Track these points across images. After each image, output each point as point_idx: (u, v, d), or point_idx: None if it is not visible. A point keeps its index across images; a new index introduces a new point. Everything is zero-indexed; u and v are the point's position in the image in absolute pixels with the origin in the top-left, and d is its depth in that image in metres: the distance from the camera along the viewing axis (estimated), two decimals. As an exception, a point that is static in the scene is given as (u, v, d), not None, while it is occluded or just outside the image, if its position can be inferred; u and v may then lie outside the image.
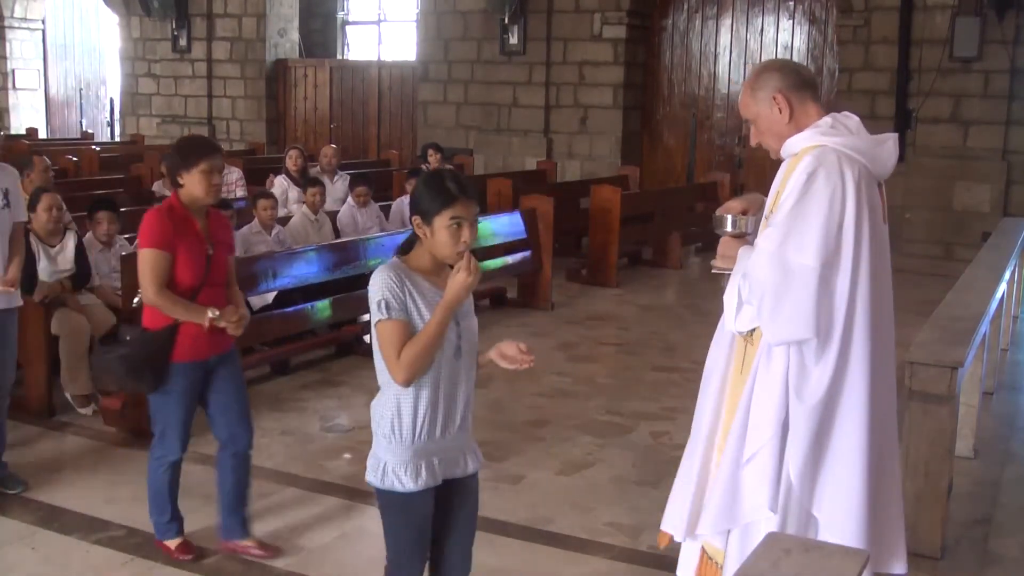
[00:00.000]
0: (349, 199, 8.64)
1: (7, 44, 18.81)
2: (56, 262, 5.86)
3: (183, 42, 17.14)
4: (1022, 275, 7.87)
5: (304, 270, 6.68)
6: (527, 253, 8.96)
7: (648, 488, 4.98)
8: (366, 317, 7.54)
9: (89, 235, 6.32)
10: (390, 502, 2.95)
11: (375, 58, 17.56)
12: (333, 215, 8.43)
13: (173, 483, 4.05)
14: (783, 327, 2.78)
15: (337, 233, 8.19)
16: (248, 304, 6.79)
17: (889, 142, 2.93)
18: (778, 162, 3.06)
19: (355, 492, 4.83)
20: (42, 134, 18.17)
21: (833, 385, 2.81)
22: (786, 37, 13.15)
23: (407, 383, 2.82)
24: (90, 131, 18.74)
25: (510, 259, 8.92)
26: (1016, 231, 7.62)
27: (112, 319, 5.96)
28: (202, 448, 5.36)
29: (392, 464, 2.89)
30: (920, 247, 11.31)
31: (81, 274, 6.00)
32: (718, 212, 3.11)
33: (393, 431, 2.88)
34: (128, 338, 3.87)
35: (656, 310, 9.19)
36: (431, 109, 15.09)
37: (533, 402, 6.30)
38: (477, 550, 4.20)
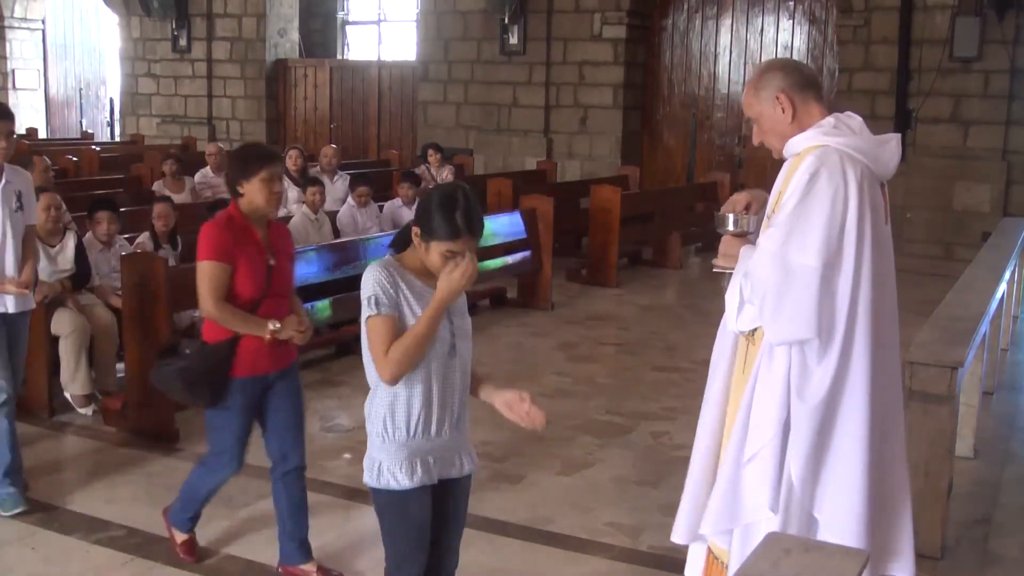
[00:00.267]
0: (349, 199, 8.64)
1: (7, 44, 18.81)
2: (56, 262, 5.85)
3: (183, 42, 17.14)
4: (1022, 275, 7.87)
5: (304, 270, 6.67)
6: (527, 253, 8.95)
7: (648, 488, 4.98)
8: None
9: (89, 235, 6.32)
10: (387, 502, 2.94)
11: (375, 58, 17.56)
12: (333, 215, 8.42)
13: (213, 492, 4.02)
14: (785, 327, 2.77)
15: (337, 233, 8.19)
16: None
17: (892, 142, 2.93)
18: (779, 162, 3.05)
19: (355, 492, 4.83)
20: (42, 134, 18.18)
21: (835, 385, 2.80)
22: (786, 37, 13.15)
23: (393, 380, 2.81)
24: (90, 131, 18.74)
25: (510, 259, 8.92)
26: (1016, 231, 7.62)
27: (112, 319, 5.96)
28: (203, 448, 5.36)
29: (387, 463, 2.89)
30: (920, 247, 11.31)
31: (81, 274, 5.99)
32: (722, 209, 3.10)
33: (386, 430, 2.88)
34: (187, 351, 3.78)
35: (656, 310, 9.19)
36: (431, 109, 15.09)
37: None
38: (478, 550, 4.21)
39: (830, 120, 2.91)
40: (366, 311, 2.82)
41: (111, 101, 19.43)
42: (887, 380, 2.92)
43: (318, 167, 10.08)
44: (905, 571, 2.98)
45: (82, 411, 5.82)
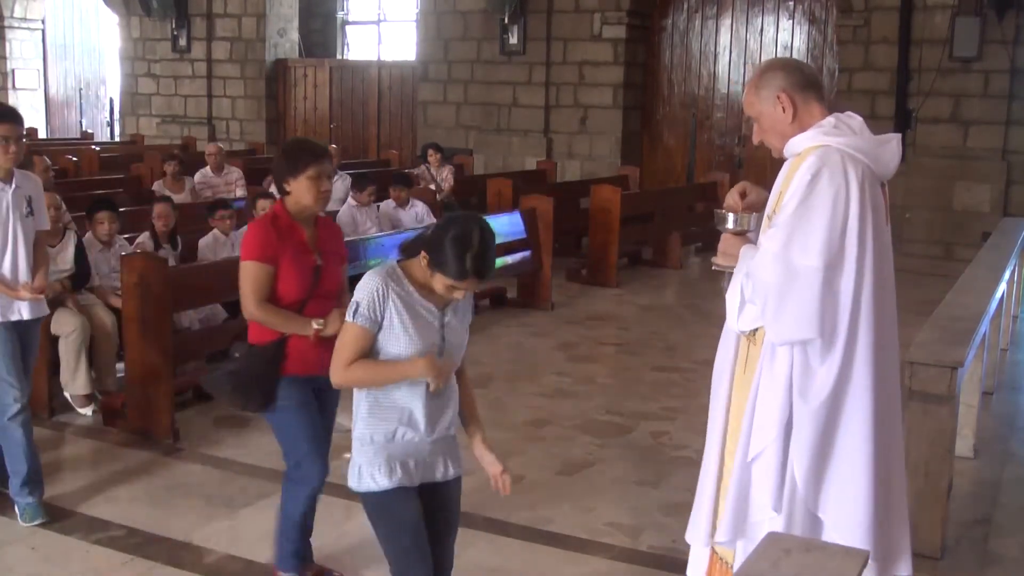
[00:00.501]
0: (349, 199, 8.65)
1: (7, 44, 18.81)
2: (56, 262, 5.84)
3: (183, 42, 17.14)
4: (1022, 275, 7.87)
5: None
6: (527, 253, 8.96)
7: (648, 488, 4.98)
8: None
9: (89, 235, 6.32)
10: (372, 505, 2.95)
11: (375, 58, 17.56)
12: (331, 215, 8.42)
13: (309, 513, 3.78)
14: (787, 327, 2.77)
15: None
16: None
17: (892, 142, 2.92)
18: (779, 162, 3.05)
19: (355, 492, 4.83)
20: (42, 134, 18.18)
21: (838, 386, 2.80)
22: (786, 37, 13.15)
23: (338, 387, 2.89)
24: (90, 131, 18.74)
25: (510, 259, 8.92)
26: (1016, 231, 7.62)
27: (112, 319, 5.96)
28: (203, 448, 5.37)
29: (366, 466, 2.90)
30: (920, 247, 11.31)
31: (81, 274, 5.99)
32: (724, 205, 3.10)
33: (366, 433, 2.89)
34: (236, 354, 3.67)
35: (656, 310, 9.19)
36: (431, 109, 15.09)
37: (533, 402, 6.29)
38: (478, 550, 4.21)
39: (831, 120, 2.90)
40: (347, 314, 2.85)
41: (111, 101, 19.43)
42: (888, 380, 2.92)
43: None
44: (906, 571, 2.98)
45: (82, 411, 5.82)
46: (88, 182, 10.46)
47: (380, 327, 2.83)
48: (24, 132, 4.42)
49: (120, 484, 4.85)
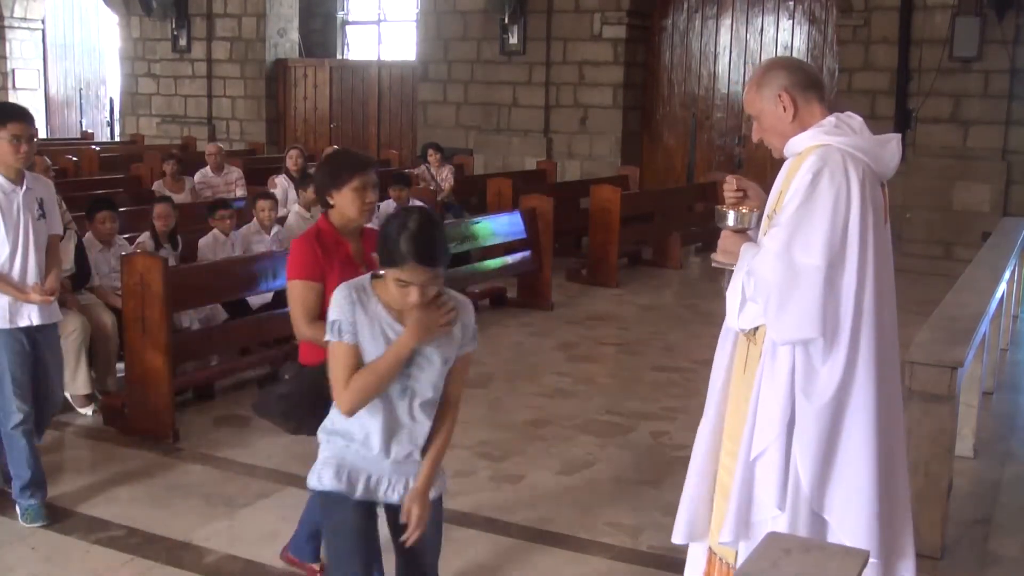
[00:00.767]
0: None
1: (7, 44, 18.81)
2: (56, 262, 5.85)
3: (183, 42, 17.13)
4: (1022, 275, 7.87)
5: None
6: (527, 253, 8.96)
7: (648, 488, 4.98)
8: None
9: (89, 235, 6.32)
10: (319, 502, 2.95)
11: (375, 58, 17.55)
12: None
13: None
14: (789, 326, 2.77)
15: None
16: (248, 304, 6.83)
17: (892, 142, 2.93)
18: (779, 162, 3.05)
19: (355, 492, 4.83)
20: (42, 134, 18.17)
21: (841, 386, 2.80)
22: (786, 37, 13.15)
23: (350, 412, 2.77)
24: (90, 131, 18.73)
25: (510, 259, 8.92)
26: (1016, 231, 7.62)
27: (112, 319, 5.96)
28: (203, 448, 5.37)
29: (319, 463, 2.90)
30: (920, 247, 11.31)
31: (81, 274, 5.99)
32: (724, 193, 3.10)
33: (328, 434, 2.88)
34: (287, 376, 3.57)
35: (656, 310, 9.19)
36: (431, 109, 15.09)
37: (533, 402, 6.29)
38: (478, 550, 4.21)
39: (831, 120, 2.90)
40: (327, 334, 2.77)
41: (111, 101, 19.42)
42: (890, 379, 2.92)
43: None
44: (909, 571, 2.98)
45: (82, 411, 5.82)
46: (88, 182, 10.46)
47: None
48: (35, 132, 4.34)
49: (120, 484, 4.85)
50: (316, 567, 3.90)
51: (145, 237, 6.71)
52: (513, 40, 14.11)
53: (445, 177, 11.11)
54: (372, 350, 2.74)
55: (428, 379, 2.79)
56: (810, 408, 2.80)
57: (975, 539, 4.41)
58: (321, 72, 16.84)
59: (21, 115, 4.27)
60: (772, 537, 1.80)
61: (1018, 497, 4.93)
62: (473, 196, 11.42)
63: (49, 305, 4.38)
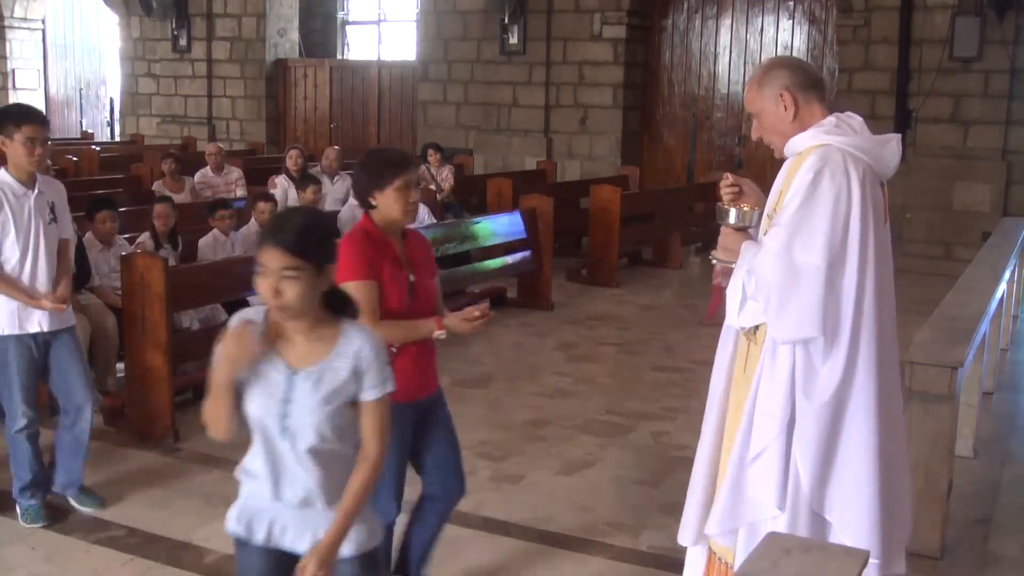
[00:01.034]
0: (350, 199, 8.64)
1: (7, 44, 18.80)
2: (56, 262, 5.84)
3: (183, 42, 17.13)
4: (1022, 275, 7.87)
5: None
6: (527, 253, 8.95)
7: (648, 488, 4.98)
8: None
9: (89, 235, 6.32)
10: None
11: (375, 58, 17.55)
12: (332, 215, 8.42)
13: (389, 545, 3.58)
14: (790, 326, 2.77)
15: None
16: (248, 304, 6.82)
17: (893, 142, 2.93)
18: (779, 162, 3.05)
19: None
20: (42, 134, 18.14)
21: (841, 385, 2.80)
22: (786, 37, 13.14)
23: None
24: (90, 131, 18.74)
25: (510, 259, 8.92)
26: (1016, 231, 7.62)
27: (112, 319, 5.96)
28: (203, 448, 5.37)
29: (235, 501, 2.65)
30: (920, 247, 11.31)
31: (81, 274, 5.97)
32: (721, 189, 3.10)
33: (243, 471, 2.62)
34: None
35: (656, 310, 9.19)
36: (431, 109, 15.09)
37: (533, 402, 6.29)
38: (478, 550, 4.21)
39: (831, 120, 2.91)
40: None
41: (111, 101, 19.42)
42: (890, 379, 2.92)
43: (318, 167, 10.08)
44: (900, 569, 2.98)
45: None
46: (88, 182, 10.46)
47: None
48: (49, 134, 4.28)
49: (120, 484, 4.85)
50: None
51: (145, 237, 6.71)
52: (513, 40, 14.11)
53: (445, 177, 11.11)
54: (251, 384, 2.49)
55: (308, 421, 2.47)
56: (810, 407, 2.80)
57: (975, 539, 4.41)
58: (321, 72, 16.84)
59: (35, 117, 4.21)
60: (772, 537, 1.80)
61: (1018, 497, 4.93)
62: (473, 196, 11.42)
63: (61, 311, 4.32)
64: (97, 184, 10.14)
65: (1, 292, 4.19)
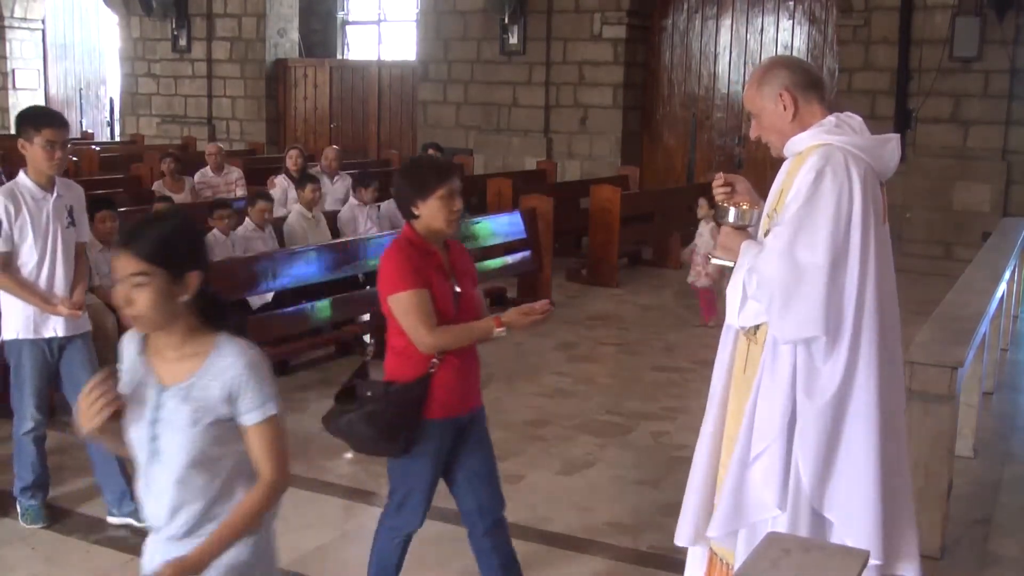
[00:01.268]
0: (351, 199, 8.65)
1: (7, 44, 18.80)
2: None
3: (183, 42, 17.14)
4: (1022, 275, 7.87)
5: (303, 270, 6.68)
6: (527, 253, 8.96)
7: (648, 488, 4.98)
8: (366, 317, 7.55)
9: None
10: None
11: (375, 58, 17.55)
12: (331, 215, 8.42)
13: (403, 554, 3.53)
14: (793, 325, 2.77)
15: (335, 232, 8.19)
16: (248, 303, 6.83)
17: (892, 142, 2.93)
18: (779, 162, 3.05)
19: (355, 492, 4.83)
20: (42, 134, 18.14)
21: (843, 384, 2.80)
22: (786, 37, 13.14)
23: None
24: (90, 131, 18.74)
25: (510, 259, 8.92)
26: (1016, 231, 7.62)
27: (112, 319, 5.95)
28: (202, 448, 5.37)
29: None
30: (920, 247, 11.31)
31: (81, 274, 5.98)
32: (714, 189, 3.10)
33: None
34: (370, 394, 3.32)
35: (656, 310, 9.19)
36: (431, 109, 15.09)
37: (533, 402, 6.29)
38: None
39: (831, 119, 2.91)
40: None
41: (111, 101, 19.43)
42: (892, 378, 2.92)
43: (318, 167, 10.08)
44: (913, 571, 2.97)
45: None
46: (88, 182, 10.41)
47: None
48: (68, 137, 4.23)
49: (120, 484, 4.85)
50: None
51: (145, 237, 6.70)
52: (513, 40, 14.11)
53: (445, 177, 11.09)
54: (130, 405, 2.35)
55: (178, 441, 2.25)
56: (811, 406, 2.80)
57: (975, 539, 4.41)
58: (321, 72, 16.84)
59: (55, 120, 4.17)
60: (772, 537, 1.80)
61: (1018, 497, 4.93)
62: (473, 196, 11.38)
63: (77, 318, 4.27)
64: (97, 184, 10.13)
65: (18, 296, 4.16)
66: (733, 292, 2.91)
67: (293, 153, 9.80)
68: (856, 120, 2.94)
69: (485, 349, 3.20)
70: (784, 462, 2.83)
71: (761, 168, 11.86)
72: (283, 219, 7.97)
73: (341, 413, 3.39)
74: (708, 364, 3.20)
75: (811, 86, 2.95)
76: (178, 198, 8.93)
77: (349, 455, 5.38)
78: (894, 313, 2.94)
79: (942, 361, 4.01)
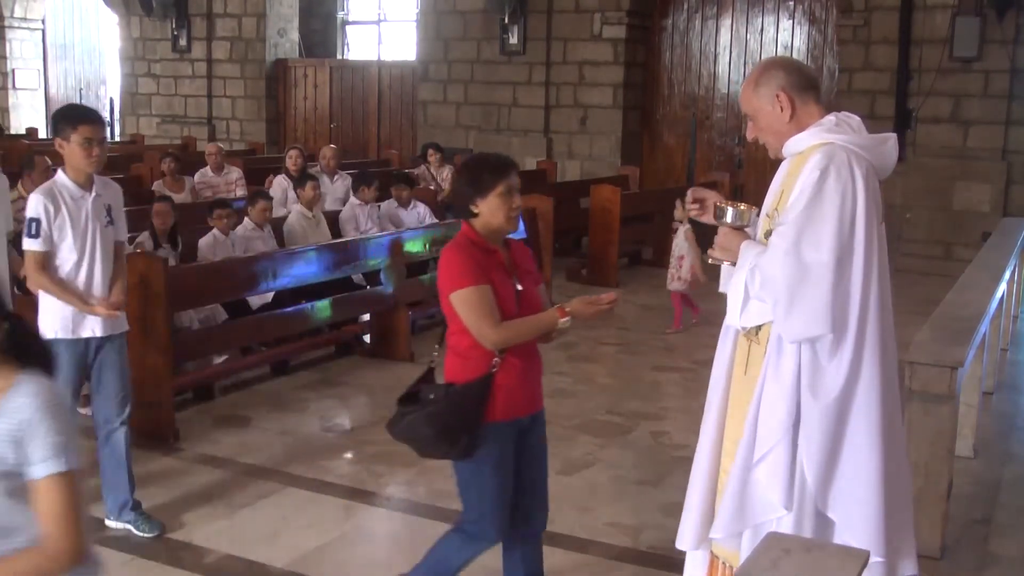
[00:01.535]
0: (352, 198, 8.65)
1: (7, 44, 18.80)
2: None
3: (183, 42, 17.13)
4: (1022, 275, 7.87)
5: (304, 270, 6.68)
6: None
7: (648, 488, 4.98)
8: (366, 317, 7.55)
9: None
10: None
11: (375, 58, 17.55)
12: (331, 215, 8.42)
13: (465, 566, 3.45)
14: (799, 324, 2.77)
15: (335, 232, 8.19)
16: (248, 304, 6.83)
17: (890, 141, 2.94)
18: (780, 162, 3.05)
19: (355, 492, 4.83)
20: (42, 134, 18.12)
21: (848, 382, 2.80)
22: (786, 37, 13.14)
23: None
24: (90, 131, 18.71)
25: (510, 259, 8.90)
26: (1016, 231, 7.62)
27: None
28: (203, 448, 5.38)
29: None
30: (920, 247, 11.31)
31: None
32: (724, 202, 3.09)
33: None
34: (432, 396, 3.28)
35: (656, 310, 9.18)
36: (431, 109, 15.09)
37: (533, 402, 6.29)
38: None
39: (831, 118, 2.91)
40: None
41: (111, 101, 19.43)
42: (891, 378, 2.92)
43: (318, 167, 10.08)
44: (912, 569, 2.97)
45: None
46: (88, 182, 10.44)
47: None
48: (106, 135, 4.17)
49: (120, 484, 4.85)
50: None
51: (145, 237, 6.71)
52: (513, 40, 14.11)
53: (445, 177, 11.10)
54: None
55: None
56: (816, 405, 2.79)
57: (975, 539, 4.41)
58: (321, 72, 16.84)
59: (92, 117, 4.13)
60: (772, 537, 1.80)
61: (1018, 497, 4.93)
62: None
63: (115, 318, 4.24)
64: (97, 184, 10.13)
65: (56, 296, 4.12)
66: (734, 293, 2.91)
67: (293, 153, 9.80)
68: (855, 119, 2.94)
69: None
70: (789, 462, 2.82)
71: (761, 168, 11.86)
72: (283, 219, 7.96)
73: (403, 416, 3.35)
74: (708, 364, 3.20)
75: (807, 86, 2.95)
76: (178, 198, 8.92)
77: (349, 455, 5.39)
78: (890, 312, 2.95)
79: (942, 361, 4.01)
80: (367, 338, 7.45)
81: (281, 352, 6.87)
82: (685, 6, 13.76)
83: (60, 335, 4.14)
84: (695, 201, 3.10)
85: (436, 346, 3.48)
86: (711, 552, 3.10)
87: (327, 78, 16.80)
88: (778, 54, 12.77)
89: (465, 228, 3.33)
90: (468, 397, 3.23)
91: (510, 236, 3.43)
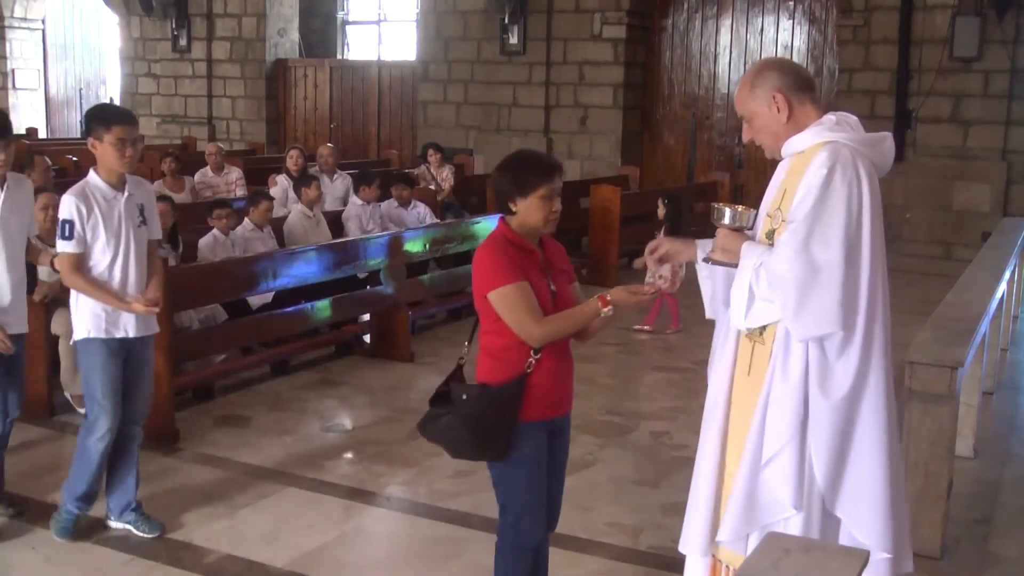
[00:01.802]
0: (354, 197, 8.65)
1: (7, 44, 18.81)
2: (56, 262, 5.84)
3: (183, 42, 17.14)
4: (1022, 275, 7.87)
5: (304, 270, 6.68)
6: (527, 253, 8.93)
7: (648, 488, 4.98)
8: (366, 317, 7.55)
9: (89, 235, 6.30)
10: None
11: (375, 58, 17.56)
12: (332, 215, 8.42)
13: (536, 568, 3.39)
14: (811, 322, 2.76)
15: (335, 232, 8.19)
16: (248, 304, 6.83)
17: (887, 140, 2.95)
18: (779, 161, 3.05)
19: (355, 492, 4.83)
20: (42, 134, 18.17)
21: (857, 381, 2.79)
22: (786, 37, 13.15)
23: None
24: (90, 131, 18.71)
25: (510, 259, 8.90)
26: (1016, 231, 7.62)
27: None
28: (203, 448, 5.38)
29: None
30: (920, 247, 11.31)
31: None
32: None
33: None
34: (465, 397, 3.23)
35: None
36: (431, 109, 15.10)
37: (533, 402, 6.28)
38: (478, 550, 4.21)
39: (831, 117, 2.91)
40: None
41: (111, 101, 19.44)
42: (892, 376, 2.93)
43: (317, 167, 10.08)
44: (911, 567, 2.98)
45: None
46: (88, 182, 10.44)
47: None
48: (139, 135, 4.16)
49: (120, 484, 4.85)
50: None
51: (145, 237, 6.70)
52: (513, 40, 14.11)
53: (445, 177, 11.11)
54: None
55: None
56: (826, 404, 2.79)
57: (975, 539, 4.41)
58: (321, 72, 16.85)
59: (125, 118, 4.11)
60: (772, 537, 1.80)
61: (1018, 497, 4.93)
62: (473, 196, 11.41)
63: (148, 316, 4.22)
64: (97, 184, 10.13)
65: (92, 296, 4.09)
66: (738, 294, 2.90)
67: (294, 153, 9.81)
68: (852, 118, 2.95)
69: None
70: (799, 461, 2.81)
71: (761, 168, 11.86)
72: (283, 219, 7.96)
73: (437, 417, 3.29)
74: (708, 364, 3.19)
75: (803, 87, 2.95)
76: (178, 198, 8.92)
77: (349, 455, 5.39)
78: (888, 312, 2.95)
79: (942, 361, 4.01)
80: (367, 338, 7.44)
81: (281, 352, 6.86)
82: (685, 6, 13.77)
83: (93, 334, 4.12)
84: (653, 251, 3.16)
85: (466, 344, 3.43)
86: (713, 557, 3.08)
87: (327, 78, 16.81)
88: (778, 54, 12.77)
89: (501, 225, 3.28)
90: (503, 398, 3.18)
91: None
